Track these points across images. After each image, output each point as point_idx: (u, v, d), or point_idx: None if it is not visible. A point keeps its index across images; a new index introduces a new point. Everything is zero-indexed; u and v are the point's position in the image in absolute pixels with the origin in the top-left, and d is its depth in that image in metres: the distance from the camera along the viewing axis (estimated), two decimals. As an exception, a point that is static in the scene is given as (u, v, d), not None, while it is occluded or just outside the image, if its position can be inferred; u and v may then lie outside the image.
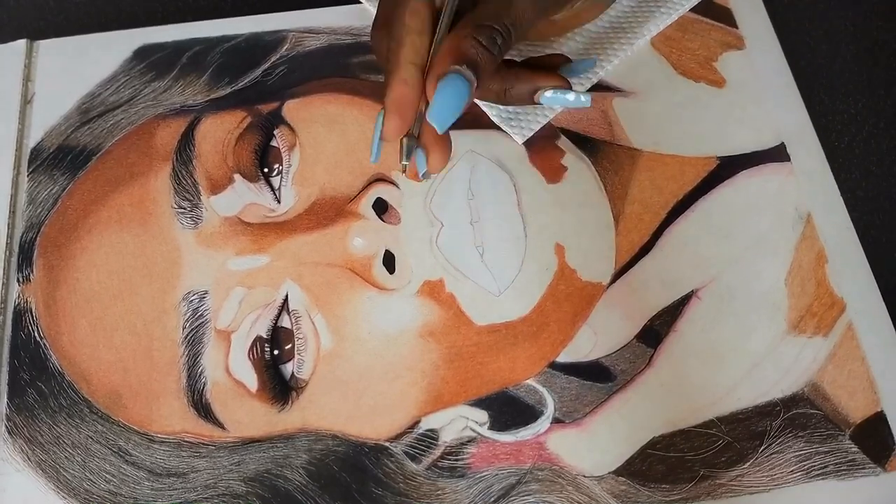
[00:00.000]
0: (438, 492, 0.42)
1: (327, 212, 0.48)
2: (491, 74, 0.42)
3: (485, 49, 0.40)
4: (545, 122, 0.50)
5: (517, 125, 0.49)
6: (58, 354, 0.45)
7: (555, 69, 0.44)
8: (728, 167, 0.49)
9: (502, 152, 0.50)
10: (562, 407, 0.44)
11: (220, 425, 0.43)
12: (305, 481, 0.42)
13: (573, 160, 0.50)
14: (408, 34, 0.40)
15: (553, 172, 0.49)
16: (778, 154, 0.50)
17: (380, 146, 0.41)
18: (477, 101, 0.49)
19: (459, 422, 0.43)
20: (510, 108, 0.49)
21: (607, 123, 0.51)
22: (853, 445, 0.43)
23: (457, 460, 0.43)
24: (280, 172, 0.49)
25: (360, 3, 0.54)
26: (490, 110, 0.49)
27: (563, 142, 0.50)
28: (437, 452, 0.43)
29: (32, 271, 0.46)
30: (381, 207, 0.48)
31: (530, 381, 0.44)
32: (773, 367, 0.44)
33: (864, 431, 0.43)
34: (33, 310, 0.46)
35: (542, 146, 0.50)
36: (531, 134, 0.49)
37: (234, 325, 0.45)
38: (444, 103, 0.40)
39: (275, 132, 0.50)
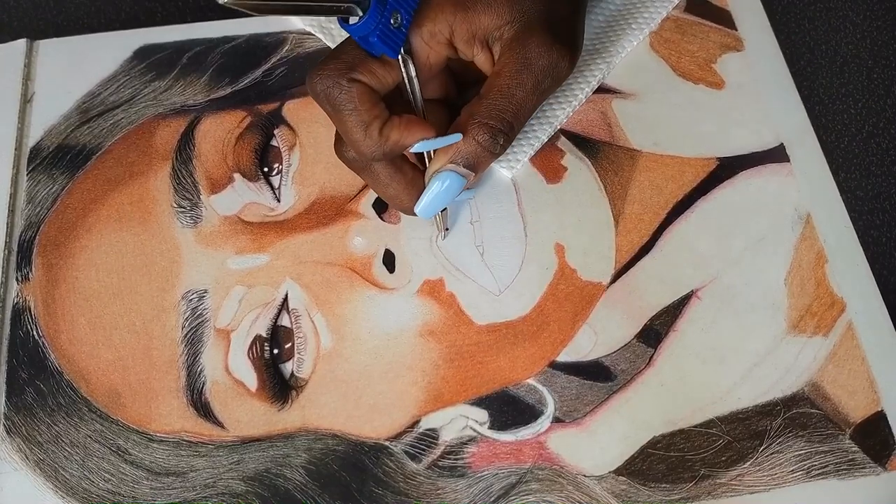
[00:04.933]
0: (438, 491, 0.42)
1: (327, 211, 0.48)
2: (488, 166, 0.43)
3: (485, 151, 0.41)
4: (532, 153, 0.49)
5: (504, 158, 0.49)
6: (56, 353, 0.44)
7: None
8: (728, 168, 0.50)
9: (502, 152, 0.50)
10: (562, 406, 0.43)
11: (220, 424, 0.43)
12: (305, 480, 0.42)
13: (573, 160, 0.50)
14: (349, 124, 0.40)
15: (553, 172, 0.49)
16: (777, 155, 0.50)
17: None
18: None
19: (459, 421, 0.43)
20: None
21: (607, 124, 0.51)
22: (853, 445, 0.43)
23: (457, 460, 0.42)
24: (280, 172, 0.49)
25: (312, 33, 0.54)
26: None
27: (563, 142, 0.50)
28: (437, 452, 0.43)
29: (31, 270, 0.46)
30: (381, 206, 0.48)
31: (530, 381, 0.44)
32: (773, 367, 0.44)
33: (865, 431, 0.43)
34: (32, 308, 0.45)
35: (543, 147, 0.50)
36: (519, 165, 0.49)
37: (234, 324, 0.45)
38: (436, 198, 0.42)
39: (275, 132, 0.50)
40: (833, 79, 0.56)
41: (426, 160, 0.43)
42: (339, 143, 0.43)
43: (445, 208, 0.45)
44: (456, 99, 0.46)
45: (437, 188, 0.42)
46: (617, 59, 0.52)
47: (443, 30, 0.41)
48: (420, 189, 0.43)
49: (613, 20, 0.53)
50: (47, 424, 0.43)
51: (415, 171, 0.44)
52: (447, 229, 0.47)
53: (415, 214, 0.43)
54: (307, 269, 0.46)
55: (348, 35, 0.39)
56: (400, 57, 0.40)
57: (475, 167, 0.42)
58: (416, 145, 0.40)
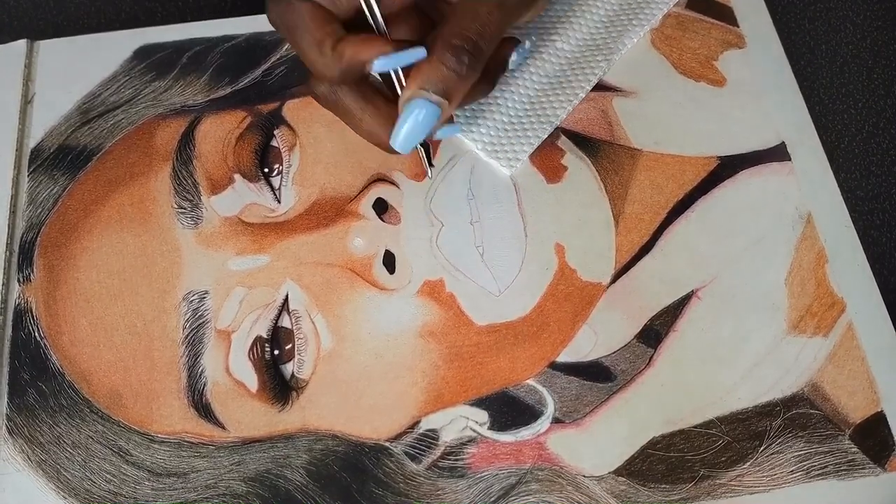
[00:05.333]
0: (438, 492, 0.42)
1: (327, 212, 0.48)
2: (462, 94, 0.41)
3: (451, 72, 0.40)
4: (532, 151, 0.49)
5: (504, 156, 0.49)
6: (58, 354, 0.45)
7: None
8: (728, 167, 0.49)
9: (502, 152, 0.50)
10: (562, 407, 0.44)
11: (221, 425, 0.43)
12: (305, 481, 0.42)
13: (573, 160, 0.50)
14: (303, 41, 0.39)
15: (553, 172, 0.49)
16: (778, 154, 0.50)
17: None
18: (460, 135, 0.49)
19: (459, 422, 0.43)
20: (494, 140, 0.49)
21: (607, 123, 0.51)
22: (853, 445, 0.43)
23: (457, 460, 0.43)
24: (280, 172, 0.49)
25: None
26: (474, 144, 0.49)
27: (563, 142, 0.50)
28: (438, 452, 0.43)
29: (33, 271, 0.47)
30: (381, 207, 0.48)
31: (530, 381, 0.44)
32: (773, 367, 0.44)
33: (864, 431, 0.43)
34: (34, 310, 0.46)
35: (543, 146, 0.50)
36: (519, 164, 0.49)
37: (235, 325, 0.45)
38: (412, 129, 0.40)
39: (275, 132, 0.50)
40: (833, 79, 0.56)
41: (398, 89, 0.42)
42: (310, 78, 0.42)
43: (427, 145, 0.44)
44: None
45: (411, 118, 0.40)
46: (617, 57, 0.52)
47: None
48: (394, 122, 0.42)
49: (615, 16, 0.53)
50: (49, 425, 0.43)
51: (387, 104, 0.42)
52: (432, 165, 0.47)
53: (395, 152, 0.42)
54: (307, 270, 0.46)
55: None
56: None
57: (448, 94, 0.40)
58: (375, 63, 0.39)
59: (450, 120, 0.44)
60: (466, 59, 0.40)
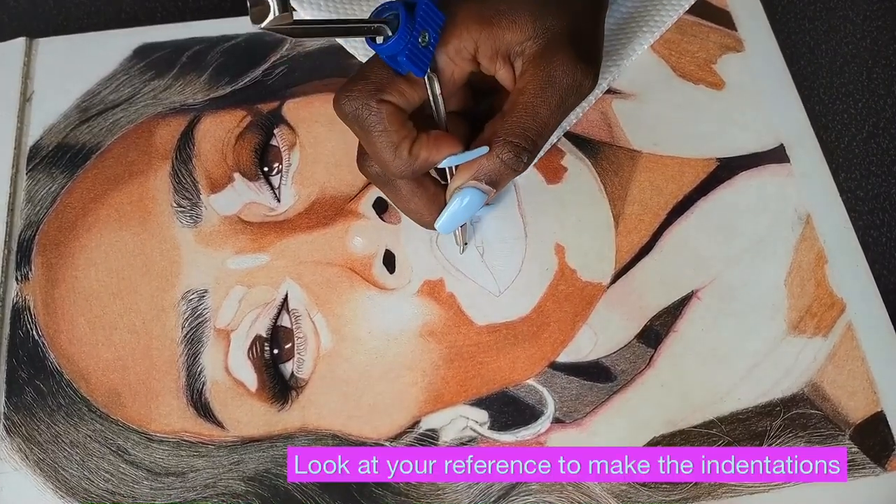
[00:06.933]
0: (438, 492, 0.42)
1: (327, 211, 0.48)
2: (509, 182, 0.43)
3: (508, 168, 0.41)
4: (542, 155, 0.49)
5: None
6: (56, 353, 0.44)
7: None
8: (727, 168, 0.50)
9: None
10: (562, 407, 0.44)
11: (220, 424, 0.43)
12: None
13: (573, 161, 0.50)
14: (378, 146, 0.39)
15: (553, 173, 0.49)
16: (777, 155, 0.50)
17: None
18: None
19: (460, 421, 0.43)
20: None
21: (607, 125, 0.51)
22: (853, 445, 0.43)
23: (457, 460, 0.42)
24: (280, 171, 0.49)
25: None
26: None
27: (563, 142, 0.50)
28: (437, 452, 0.43)
29: (31, 269, 0.46)
30: (381, 207, 0.48)
31: (530, 381, 0.44)
32: (772, 368, 0.44)
33: (864, 431, 0.43)
34: (32, 308, 0.45)
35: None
36: (531, 164, 0.49)
37: (234, 325, 0.45)
38: (457, 214, 0.42)
39: (275, 131, 0.50)
40: (833, 79, 0.56)
41: (448, 175, 0.43)
42: (362, 159, 0.43)
43: (465, 223, 0.45)
44: (474, 109, 0.46)
45: (458, 204, 0.42)
46: (628, 62, 0.52)
47: (468, 46, 0.40)
48: (441, 204, 0.43)
49: (624, 22, 0.53)
50: (47, 424, 0.43)
51: (436, 187, 0.43)
52: (466, 244, 0.47)
53: (434, 229, 0.43)
54: (307, 269, 0.46)
55: (373, 53, 0.39)
56: (426, 75, 0.40)
57: (496, 184, 0.41)
58: (443, 161, 0.40)
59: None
60: (525, 158, 0.41)
